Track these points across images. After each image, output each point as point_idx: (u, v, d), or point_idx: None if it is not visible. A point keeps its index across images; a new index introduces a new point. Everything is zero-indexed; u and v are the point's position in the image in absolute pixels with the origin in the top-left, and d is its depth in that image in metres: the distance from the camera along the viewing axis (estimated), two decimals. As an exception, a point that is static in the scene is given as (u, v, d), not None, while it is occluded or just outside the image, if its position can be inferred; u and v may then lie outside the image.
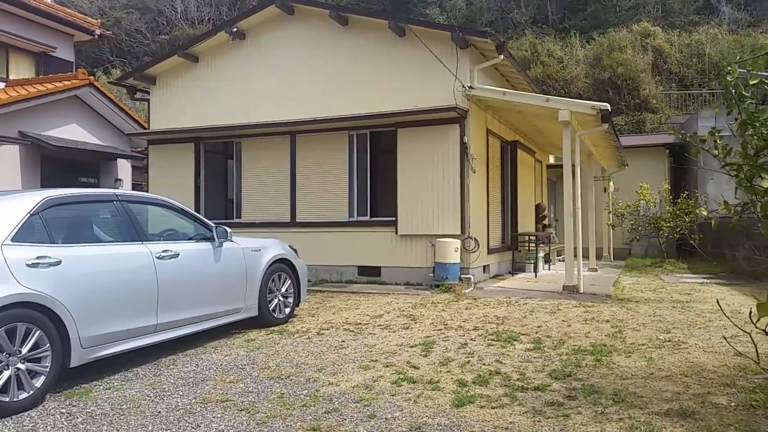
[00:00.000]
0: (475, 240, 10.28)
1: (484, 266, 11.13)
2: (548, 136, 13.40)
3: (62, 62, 18.27)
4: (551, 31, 34.21)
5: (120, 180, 17.30)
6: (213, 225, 6.65)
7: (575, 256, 9.78)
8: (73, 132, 16.04)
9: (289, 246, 7.96)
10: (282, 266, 7.52)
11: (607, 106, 9.13)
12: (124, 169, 17.18)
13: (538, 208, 15.08)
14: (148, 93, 12.81)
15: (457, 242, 9.96)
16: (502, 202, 12.54)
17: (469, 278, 10.04)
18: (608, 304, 8.54)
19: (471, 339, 6.26)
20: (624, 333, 6.53)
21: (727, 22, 32.38)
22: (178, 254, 6.03)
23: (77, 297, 4.95)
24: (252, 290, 6.96)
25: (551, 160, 17.72)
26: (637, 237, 15.75)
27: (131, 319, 5.48)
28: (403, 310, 8.08)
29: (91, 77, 16.04)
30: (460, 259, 10.01)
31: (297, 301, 7.81)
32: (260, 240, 7.48)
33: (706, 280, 11.68)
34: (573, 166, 9.75)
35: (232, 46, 11.93)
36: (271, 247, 7.45)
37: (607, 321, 7.21)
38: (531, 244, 13.03)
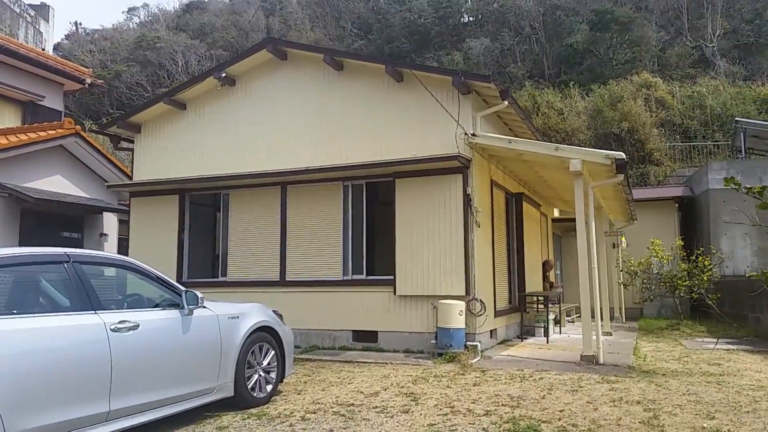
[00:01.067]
0: (481, 302, 9.35)
1: (491, 331, 10.16)
2: (555, 188, 12.65)
3: (50, 111, 17.69)
4: (548, 85, 34.19)
5: (105, 235, 16.44)
6: (182, 289, 5.76)
7: (593, 319, 8.83)
8: (57, 184, 15.27)
9: (274, 311, 7.05)
10: (264, 335, 6.59)
11: (623, 155, 8.39)
12: (110, 223, 16.34)
13: (546, 265, 14.19)
14: (133, 142, 12.10)
15: (462, 304, 9.04)
16: (508, 259, 11.67)
17: (476, 346, 9.07)
18: (634, 378, 7.56)
19: (483, 429, 5.26)
20: (660, 419, 5.55)
21: (723, 75, 32.39)
22: (138, 325, 5.13)
23: (5, 381, 4.05)
24: (227, 366, 6.00)
25: (556, 213, 16.94)
26: (651, 297, 14.80)
27: (77, 406, 4.55)
28: (403, 386, 7.08)
29: (78, 127, 15.42)
30: (465, 323, 9.06)
31: (281, 376, 6.84)
32: (238, 305, 6.56)
33: (731, 347, 10.69)
34: (586, 220, 8.93)
35: (222, 92, 11.30)
36: (252, 313, 6.53)
37: (638, 402, 6.22)
38: (540, 305, 12.08)
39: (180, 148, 11.56)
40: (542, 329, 11.75)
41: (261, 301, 10.35)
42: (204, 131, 11.43)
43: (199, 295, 5.73)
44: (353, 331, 9.98)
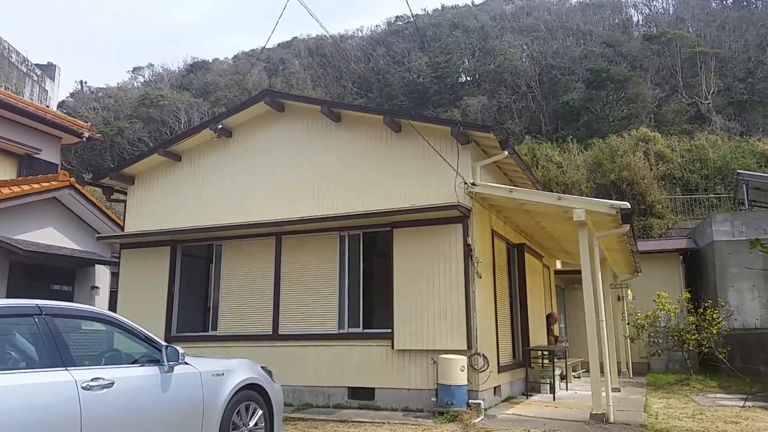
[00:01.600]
0: (484, 357, 8.90)
1: (495, 387, 9.65)
2: (557, 239, 12.37)
3: (47, 164, 17.62)
4: (546, 140, 34.50)
5: (97, 288, 16.06)
6: (163, 344, 5.39)
7: (602, 375, 8.36)
8: (50, 236, 15.01)
9: (262, 367, 6.63)
10: (251, 394, 6.16)
11: (627, 205, 8.16)
12: (102, 276, 15.99)
13: (550, 318, 13.75)
14: (126, 194, 11.90)
15: (464, 359, 8.59)
16: (510, 312, 11.26)
17: (479, 404, 8.56)
18: (648, 438, 7.06)
19: (488, 497, 4.78)
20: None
21: (720, 130, 32.70)
22: (113, 383, 4.74)
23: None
24: (210, 427, 5.56)
25: (558, 265, 16.59)
26: (659, 351, 14.27)
27: (41, 472, 4.12)
28: (400, 449, 6.58)
29: (72, 179, 15.30)
30: (468, 380, 8.59)
31: (270, 438, 6.34)
32: (224, 361, 6.16)
33: (747, 403, 10.14)
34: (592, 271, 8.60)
35: (218, 143, 11.19)
36: (238, 370, 6.12)
37: (656, 466, 5.73)
38: (545, 360, 11.58)
39: (173, 199, 11.35)
40: (548, 385, 11.23)
41: (251, 357, 9.92)
42: (199, 182, 11.25)
43: (180, 350, 5.35)
44: (349, 387, 9.48)
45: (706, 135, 27.43)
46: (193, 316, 11.25)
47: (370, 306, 12.14)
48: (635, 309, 14.48)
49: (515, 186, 11.28)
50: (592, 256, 8.52)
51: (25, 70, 34.33)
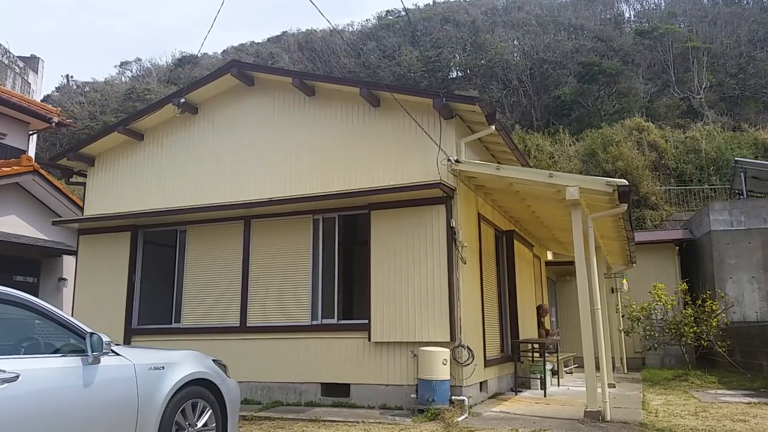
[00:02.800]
0: (469, 349, 8.14)
1: (481, 383, 8.90)
2: (549, 226, 11.63)
3: (13, 150, 16.75)
4: (536, 134, 33.81)
5: (65, 279, 15.21)
6: (87, 331, 4.58)
7: (598, 371, 7.62)
8: (12, 224, 14.15)
9: (214, 360, 5.83)
10: (200, 390, 5.36)
11: (625, 182, 7.41)
12: (70, 267, 15.09)
13: (540, 310, 13.01)
14: (87, 176, 11.05)
15: (446, 352, 7.83)
16: (499, 302, 10.51)
17: (463, 401, 7.80)
18: (649, 438, 6.32)
19: None
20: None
21: (712, 124, 32.17)
22: (17, 376, 3.96)
23: None
24: (147, 428, 4.76)
25: (549, 256, 15.86)
26: (655, 345, 13.57)
27: None
28: (371, 452, 5.82)
29: (36, 164, 14.42)
30: (451, 374, 7.83)
31: (222, 440, 5.56)
32: (166, 352, 5.36)
33: (752, 399, 9.45)
34: (586, 256, 7.85)
35: (183, 121, 10.37)
36: (183, 363, 5.32)
37: (662, 470, 5.00)
38: (536, 354, 10.85)
39: (135, 181, 10.53)
40: (539, 381, 10.49)
41: (218, 351, 9.12)
42: (163, 163, 10.42)
43: (106, 338, 4.54)
44: (322, 384, 8.70)
45: (700, 126, 26.84)
46: (158, 308, 10.42)
47: (349, 297, 11.37)
48: (630, 301, 13.76)
49: (504, 168, 10.52)
50: (586, 239, 7.77)
51: (6, 62, 33.35)
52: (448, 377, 7.75)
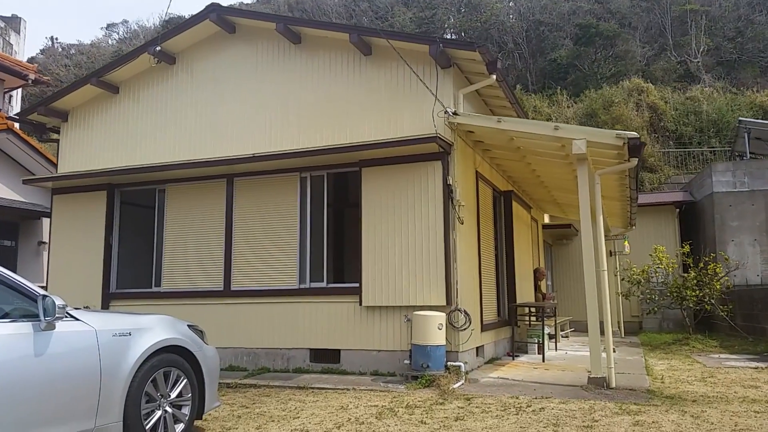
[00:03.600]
0: (465, 313, 7.70)
1: (477, 348, 8.49)
2: (549, 187, 11.10)
3: (-13, 109, 15.96)
4: (534, 95, 33.03)
5: (44, 243, 14.62)
6: (39, 294, 4.06)
7: (602, 335, 7.20)
8: (-13, 186, 13.54)
9: (190, 325, 5.33)
10: (173, 358, 4.88)
11: (636, 134, 6.86)
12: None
13: (537, 273, 12.60)
14: (60, 133, 10.38)
15: (442, 317, 7.38)
16: (496, 265, 10.05)
17: (459, 367, 7.38)
18: (659, 407, 5.93)
19: (468, 492, 3.58)
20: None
21: (709, 88, 31.51)
22: (-45, 343, 3.43)
23: None
24: (112, 400, 4.29)
25: (546, 219, 15.41)
26: (655, 308, 13.23)
27: None
28: (363, 423, 5.38)
29: (11, 122, 13.68)
30: (446, 339, 7.39)
31: (200, 411, 5.11)
32: (134, 317, 4.84)
33: (759, 364, 9.12)
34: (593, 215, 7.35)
35: (161, 73, 9.68)
36: (154, 329, 4.81)
37: (678, 442, 4.59)
38: (533, 318, 10.46)
39: (111, 137, 9.88)
40: (536, 346, 10.14)
41: (201, 316, 8.67)
42: (140, 118, 9.77)
43: (60, 301, 4.01)
44: (311, 349, 8.26)
45: (701, 88, 26.17)
46: (138, 272, 9.90)
47: (339, 260, 10.91)
48: (630, 264, 13.36)
49: (503, 124, 9.92)
50: (592, 196, 7.26)
51: (-14, 21, 32.13)
52: (443, 342, 7.32)
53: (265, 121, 8.91)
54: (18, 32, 38.15)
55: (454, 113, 7.76)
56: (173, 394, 4.85)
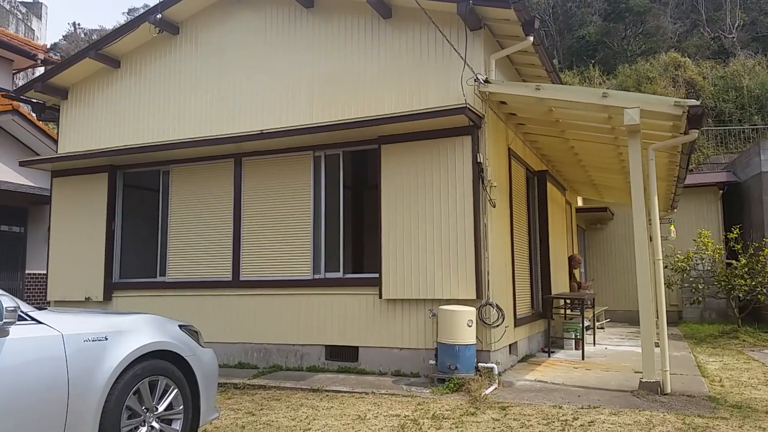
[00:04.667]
0: (498, 308, 6.87)
1: (510, 345, 7.68)
2: (586, 165, 10.14)
3: (-5, 90, 15.44)
4: (564, 72, 31.72)
5: (55, 229, 14.13)
6: (-9, 293, 3.35)
7: (657, 331, 6.35)
8: (-4, 170, 13.03)
9: (183, 326, 4.60)
10: (161, 365, 4.16)
11: (698, 102, 5.91)
12: (61, 215, 13.95)
13: (572, 261, 11.69)
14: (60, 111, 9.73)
15: (472, 312, 6.57)
16: (529, 253, 9.19)
17: (491, 369, 6.57)
18: (727, 419, 5.07)
19: None
20: None
21: (751, 60, 29.94)
22: None
23: None
24: (83, 419, 3.58)
25: (579, 202, 14.43)
26: (699, 298, 12.23)
27: None
28: (383, 439, 4.63)
29: (16, 103, 13.10)
30: (477, 337, 6.59)
31: (194, 425, 4.40)
32: (111, 318, 4.11)
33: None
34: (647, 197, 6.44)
35: (164, 45, 8.93)
36: (135, 331, 4.09)
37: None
38: (569, 310, 9.60)
39: (113, 115, 9.18)
40: (572, 341, 9.29)
41: (207, 308, 7.98)
42: (142, 94, 9.04)
43: (10, 303, 3.29)
44: (326, 346, 7.52)
45: (743, 61, 24.63)
46: (143, 260, 9.26)
47: (358, 248, 10.19)
48: (675, 250, 12.34)
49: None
50: (646, 176, 6.35)
51: (8, 6, 32.00)
52: (473, 341, 6.51)
53: (275, 95, 8.12)
54: (39, 17, 37.90)
55: (486, 81, 6.86)
56: (161, 407, 4.14)
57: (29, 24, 38.89)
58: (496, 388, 6.27)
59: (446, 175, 7.04)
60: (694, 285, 12.15)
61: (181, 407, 4.29)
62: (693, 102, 5.89)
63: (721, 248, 12.29)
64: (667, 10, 41.52)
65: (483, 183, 6.97)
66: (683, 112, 5.89)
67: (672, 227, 12.59)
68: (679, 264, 11.92)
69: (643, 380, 6.10)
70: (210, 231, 8.28)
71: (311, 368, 7.49)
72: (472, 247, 6.83)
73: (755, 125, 20.99)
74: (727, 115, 21.88)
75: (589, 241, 15.74)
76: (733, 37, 37.52)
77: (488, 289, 6.85)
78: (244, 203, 8.10)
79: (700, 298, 12.22)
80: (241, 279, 7.97)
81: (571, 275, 11.68)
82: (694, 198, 14.77)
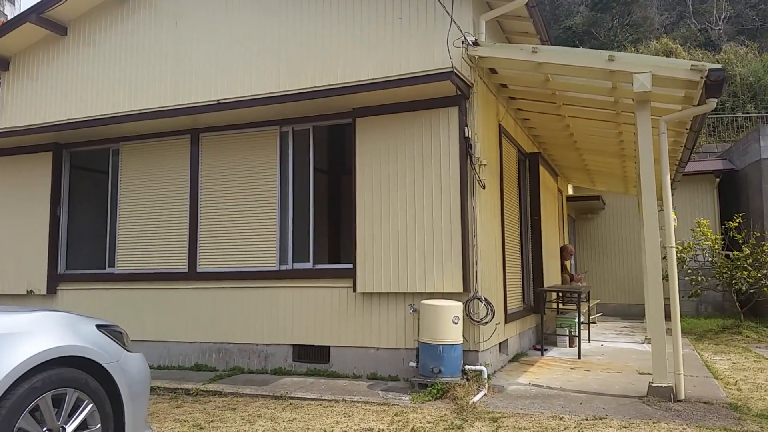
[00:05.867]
0: (487, 302, 6.06)
1: (501, 344, 6.88)
2: (580, 147, 9.35)
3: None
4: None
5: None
6: None
7: (668, 328, 5.60)
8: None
9: (102, 326, 3.71)
10: (68, 375, 3.28)
11: (719, 66, 5.13)
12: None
13: (564, 252, 10.94)
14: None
15: (458, 307, 5.75)
16: (520, 242, 8.40)
17: (480, 372, 5.76)
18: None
19: None
20: None
21: (744, 48, 29.58)
22: None
23: None
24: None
25: (570, 190, 13.69)
26: (698, 291, 11.55)
27: None
28: (349, 464, 3.79)
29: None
30: (463, 336, 5.78)
31: (115, 447, 3.53)
32: (2, 317, 3.23)
33: None
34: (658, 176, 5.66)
35: (117, 9, 7.98)
36: (34, 333, 3.20)
37: None
38: (562, 305, 8.85)
39: (60, 87, 8.22)
40: (566, 337, 8.54)
41: (161, 301, 7.09)
42: (93, 64, 8.09)
43: None
44: (294, 345, 6.67)
45: (735, 49, 24.08)
46: (93, 250, 8.33)
47: (332, 237, 9.33)
48: (677, 242, 11.62)
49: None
50: (657, 148, 5.57)
51: (-25, -9, 30.78)
52: (459, 340, 5.70)
53: (236, 64, 7.21)
54: (12, 2, 36.55)
55: (475, 42, 6.02)
56: (71, 427, 3.27)
57: (2, 8, 37.37)
58: (485, 395, 5.46)
59: (430, 152, 6.20)
60: (693, 277, 11.48)
61: (99, 426, 3.41)
62: (713, 65, 5.10)
63: (721, 239, 11.61)
64: (654, 1, 41.13)
65: (471, 161, 6.14)
66: (701, 77, 5.10)
67: (673, 215, 11.85)
68: (680, 255, 11.21)
69: (654, 385, 5.34)
70: (164, 217, 7.36)
71: (276, 371, 6.63)
72: (458, 233, 6.01)
73: (748, 113, 20.44)
74: (719, 103, 21.29)
75: (579, 232, 15.04)
76: (720, 29, 37.18)
77: (476, 282, 6.04)
78: (201, 186, 7.20)
79: (698, 291, 11.54)
80: (199, 270, 7.08)
81: (563, 267, 10.94)
82: (689, 186, 14.12)
